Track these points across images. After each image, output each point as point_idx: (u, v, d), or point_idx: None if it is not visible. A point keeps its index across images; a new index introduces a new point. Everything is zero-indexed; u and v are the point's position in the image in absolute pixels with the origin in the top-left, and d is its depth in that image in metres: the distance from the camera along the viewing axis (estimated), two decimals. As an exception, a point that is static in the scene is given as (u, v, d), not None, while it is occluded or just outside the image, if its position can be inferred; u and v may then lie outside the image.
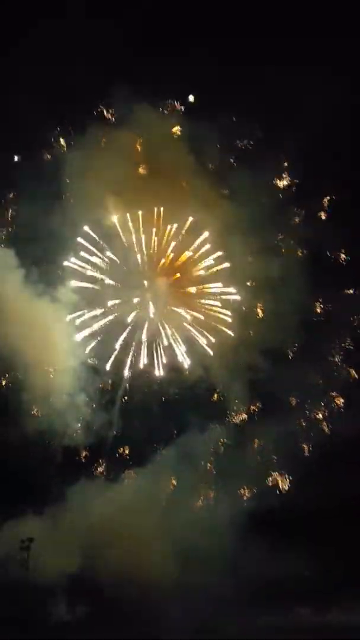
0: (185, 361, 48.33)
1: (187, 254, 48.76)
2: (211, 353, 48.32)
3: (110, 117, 49.99)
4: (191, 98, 50.52)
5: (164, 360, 48.50)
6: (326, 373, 49.22)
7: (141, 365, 48.21)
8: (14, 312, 45.05)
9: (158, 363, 48.47)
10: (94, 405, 47.89)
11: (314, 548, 45.18)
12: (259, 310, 49.32)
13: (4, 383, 47.68)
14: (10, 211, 49.05)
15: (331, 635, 42.07)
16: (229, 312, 48.51)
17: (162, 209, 47.91)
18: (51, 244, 47.58)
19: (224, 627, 41.59)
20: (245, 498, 47.91)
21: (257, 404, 49.19)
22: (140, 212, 47.70)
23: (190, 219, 48.00)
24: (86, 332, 47.67)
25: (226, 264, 48.72)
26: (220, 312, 48.70)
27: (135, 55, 49.63)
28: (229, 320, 48.69)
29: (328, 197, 50.09)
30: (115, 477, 47.66)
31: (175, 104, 50.26)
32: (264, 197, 49.41)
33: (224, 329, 48.48)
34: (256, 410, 49.22)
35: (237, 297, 48.84)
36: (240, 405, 49.15)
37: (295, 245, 49.85)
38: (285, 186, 50.37)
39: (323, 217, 50.11)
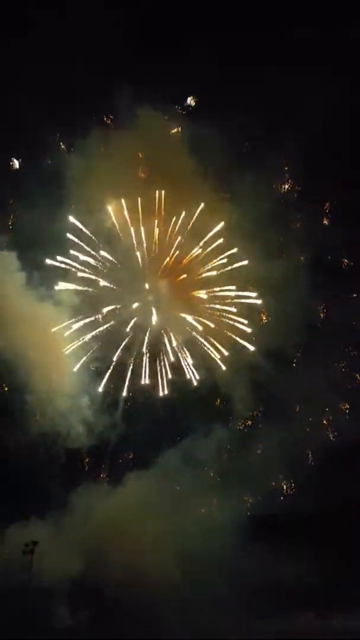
0: (194, 378, 47.03)
1: (195, 251, 46.76)
2: (224, 368, 47.28)
3: (110, 122, 50.80)
4: (191, 101, 51.14)
5: (169, 376, 47.05)
6: (330, 378, 49.59)
7: (143, 382, 47.08)
8: (17, 315, 45.72)
9: (162, 381, 47.08)
10: (96, 408, 48.07)
11: (316, 552, 46.07)
12: (263, 315, 49.09)
13: (6, 388, 48.14)
14: (12, 216, 49.72)
15: (331, 636, 43.33)
16: (245, 321, 47.06)
17: (163, 192, 46.82)
18: (52, 247, 47.76)
19: (225, 629, 42.66)
20: (248, 503, 48.70)
21: (261, 409, 49.83)
22: (139, 199, 46.76)
23: (202, 205, 46.61)
24: (79, 343, 46.76)
25: (243, 262, 47.10)
26: (236, 320, 47.16)
27: (135, 56, 50.48)
28: (248, 330, 47.20)
29: (331, 201, 50.51)
30: (118, 481, 48.13)
31: (177, 108, 50.92)
32: (266, 200, 49.82)
33: (242, 342, 47.36)
34: (259, 415, 49.86)
35: (258, 302, 47.54)
36: (243, 410, 49.62)
37: (299, 249, 50.16)
38: (287, 190, 50.80)
39: (326, 222, 50.46)
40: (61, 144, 50.33)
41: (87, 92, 50.20)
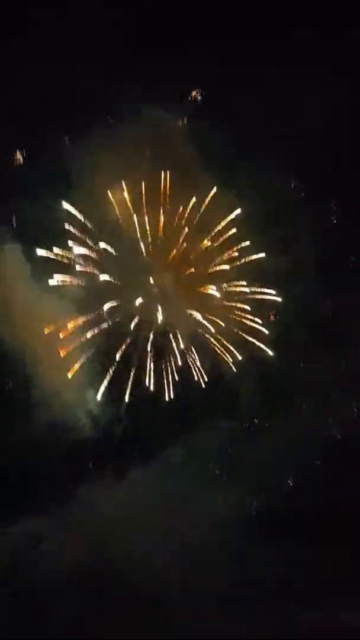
0: (203, 382, 47.07)
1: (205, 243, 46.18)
2: (235, 370, 47.46)
3: (111, 119, 51.78)
4: (195, 95, 52.23)
5: (176, 379, 46.93)
6: (337, 377, 50.35)
7: (147, 385, 47.16)
8: (21, 308, 46.55)
9: (168, 386, 46.92)
10: (102, 401, 48.53)
11: (321, 550, 46.97)
12: (271, 314, 49.24)
13: (11, 384, 48.73)
14: (16, 210, 50.11)
15: (334, 636, 44.20)
16: (261, 321, 47.04)
17: (168, 174, 46.51)
18: (56, 239, 48.20)
19: (227, 627, 43.78)
20: (253, 500, 49.54)
21: (267, 406, 50.44)
22: (143, 183, 46.66)
23: (215, 189, 46.23)
24: (83, 339, 46.66)
25: (261, 255, 46.65)
26: (251, 320, 47.10)
27: (135, 56, 51.79)
28: (266, 331, 47.19)
29: (338, 199, 51.42)
30: (122, 475, 48.60)
31: (179, 105, 52.13)
32: (271, 197, 50.42)
33: (260, 345, 47.52)
34: (265, 412, 50.56)
35: (278, 299, 47.56)
36: (249, 407, 50.25)
37: (306, 246, 50.62)
38: (294, 186, 51.79)
39: (333, 220, 51.35)
40: (65, 139, 51.22)
41: (88, 91, 51.26)
